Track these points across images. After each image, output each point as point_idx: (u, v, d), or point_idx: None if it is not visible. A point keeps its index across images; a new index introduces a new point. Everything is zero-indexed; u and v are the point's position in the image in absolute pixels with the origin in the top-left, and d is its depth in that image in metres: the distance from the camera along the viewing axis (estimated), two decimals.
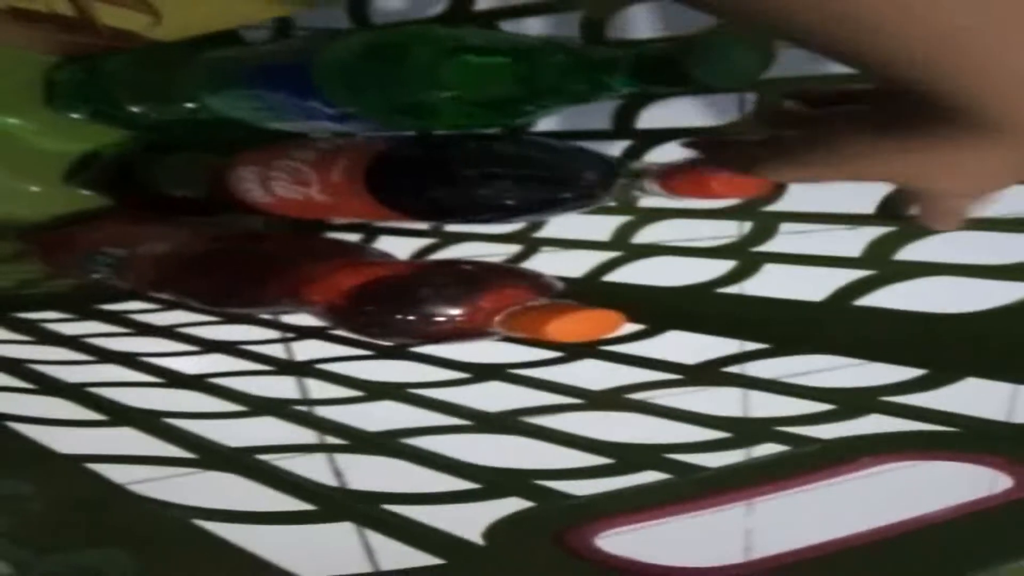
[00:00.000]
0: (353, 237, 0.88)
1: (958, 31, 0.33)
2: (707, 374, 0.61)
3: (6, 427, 0.53)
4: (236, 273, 0.71)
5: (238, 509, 0.41)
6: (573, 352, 0.65)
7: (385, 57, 0.58)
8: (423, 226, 0.83)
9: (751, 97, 0.60)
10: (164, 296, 0.77)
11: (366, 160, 0.63)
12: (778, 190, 0.62)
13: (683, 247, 0.68)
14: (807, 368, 0.60)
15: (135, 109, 0.77)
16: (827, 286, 0.60)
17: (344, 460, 0.61)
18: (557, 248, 0.75)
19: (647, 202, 0.68)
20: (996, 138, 0.38)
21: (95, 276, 0.78)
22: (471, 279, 0.61)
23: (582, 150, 0.61)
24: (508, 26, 0.67)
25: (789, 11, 0.34)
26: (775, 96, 0.57)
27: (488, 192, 0.60)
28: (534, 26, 0.67)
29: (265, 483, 0.45)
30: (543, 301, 0.59)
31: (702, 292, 0.66)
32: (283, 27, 0.80)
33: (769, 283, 0.64)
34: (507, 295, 0.59)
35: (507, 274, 0.62)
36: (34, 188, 0.84)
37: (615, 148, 0.67)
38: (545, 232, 0.77)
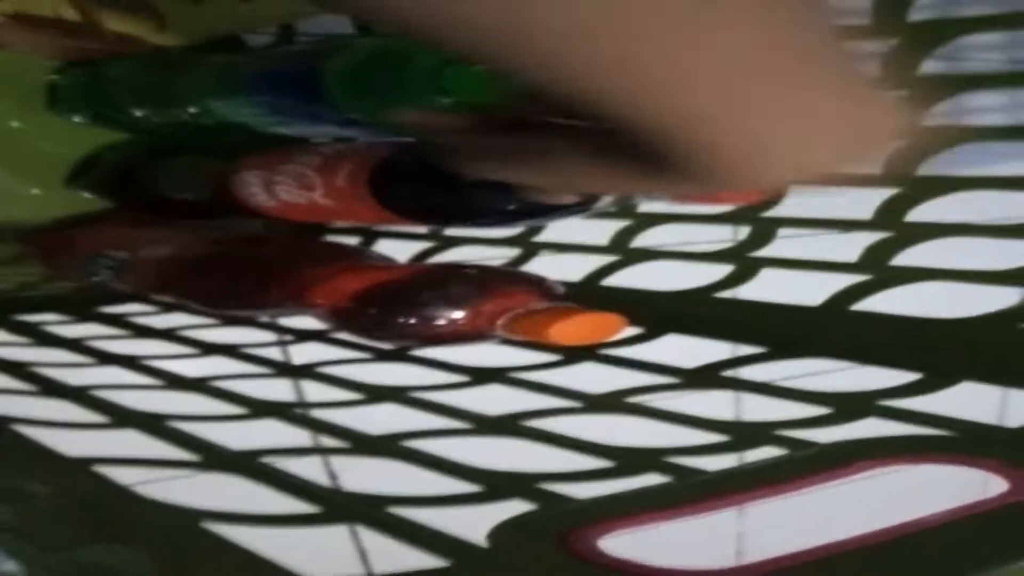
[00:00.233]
0: (352, 240, 0.88)
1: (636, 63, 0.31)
2: (705, 378, 0.61)
3: (10, 429, 0.53)
4: (237, 276, 0.71)
5: (242, 511, 0.41)
6: (571, 356, 0.66)
7: (389, 64, 0.58)
8: (422, 230, 0.83)
9: None
10: (165, 299, 0.77)
11: (371, 165, 0.63)
12: (776, 195, 0.62)
13: (681, 251, 0.68)
14: (802, 372, 0.61)
15: (138, 113, 0.77)
16: (824, 291, 0.61)
17: (340, 463, 0.61)
18: (556, 252, 0.75)
19: (645, 207, 0.68)
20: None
21: (96, 279, 0.78)
22: (472, 282, 0.61)
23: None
24: None
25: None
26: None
27: (490, 197, 0.60)
28: None
29: (268, 485, 0.45)
30: (545, 304, 0.59)
31: (700, 296, 0.66)
32: (286, 33, 0.81)
33: (766, 287, 0.65)
34: (508, 298, 0.59)
35: (509, 277, 0.63)
36: (35, 191, 0.84)
37: None
38: (544, 236, 0.77)
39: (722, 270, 0.66)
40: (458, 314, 0.60)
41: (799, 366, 0.60)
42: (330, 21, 0.73)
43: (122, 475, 0.45)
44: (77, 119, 0.81)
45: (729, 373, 0.61)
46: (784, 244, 0.64)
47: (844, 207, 0.59)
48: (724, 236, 0.67)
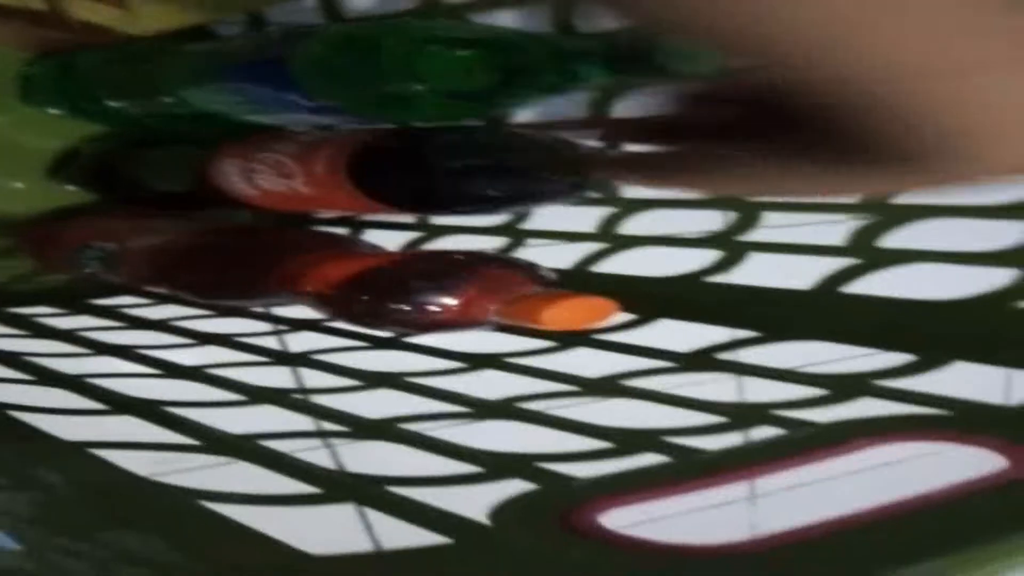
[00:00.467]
0: (340, 231, 0.88)
1: (867, 24, 0.31)
2: (700, 361, 0.61)
3: (13, 418, 0.53)
4: (228, 266, 0.71)
5: (248, 492, 0.41)
6: (567, 341, 0.66)
7: (360, 50, 0.58)
8: (410, 219, 0.83)
9: None
10: (156, 290, 0.77)
11: (348, 152, 0.63)
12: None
13: (669, 237, 0.68)
14: (795, 355, 0.61)
15: (112, 104, 0.76)
16: (813, 274, 0.61)
17: (345, 451, 0.61)
18: (544, 240, 0.75)
19: (631, 193, 0.69)
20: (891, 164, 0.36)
21: (86, 271, 0.78)
22: (465, 268, 0.61)
23: (562, 140, 0.62)
24: (480, 18, 0.67)
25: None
26: None
27: (469, 183, 0.60)
28: (506, 19, 0.67)
29: (272, 468, 0.45)
30: (538, 289, 0.60)
31: (691, 281, 0.67)
32: (256, 22, 0.80)
33: (756, 271, 0.65)
34: (502, 283, 0.59)
35: (501, 263, 0.63)
36: (18, 184, 0.84)
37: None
38: (531, 224, 0.77)
39: (711, 255, 0.66)
40: (451, 300, 0.60)
41: (792, 349, 0.60)
42: (299, 10, 0.73)
43: (129, 462, 0.45)
44: (53, 111, 0.80)
45: (724, 356, 0.62)
46: (772, 229, 0.65)
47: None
48: (713, 221, 0.67)
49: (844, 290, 0.60)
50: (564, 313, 0.56)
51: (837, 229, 0.61)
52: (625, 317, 0.67)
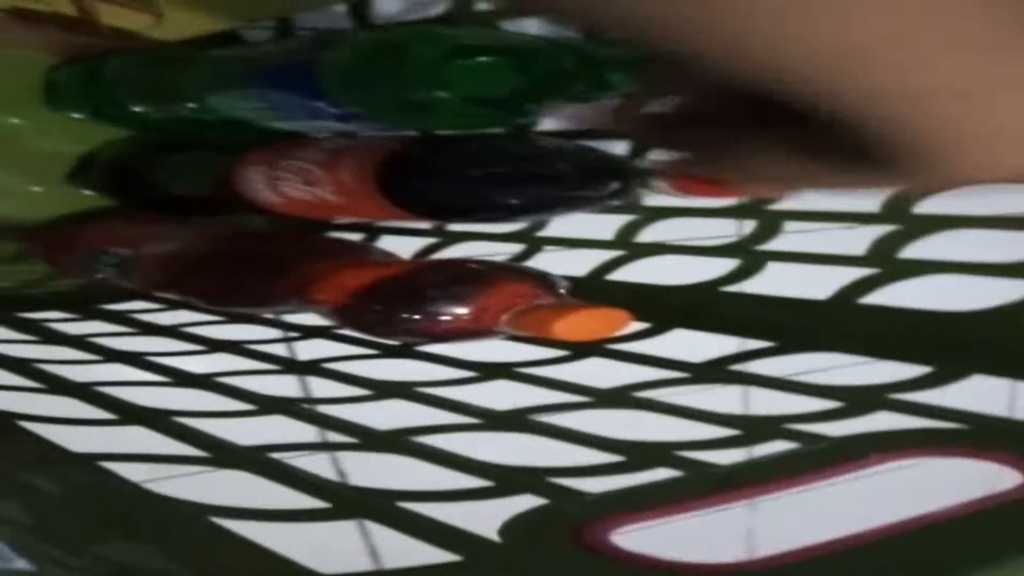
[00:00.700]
0: (356, 237, 0.88)
1: (863, 45, 0.30)
2: (714, 372, 0.61)
3: (19, 426, 0.53)
4: (241, 273, 0.71)
5: (253, 507, 0.41)
6: (579, 351, 0.65)
7: (387, 57, 0.58)
8: (425, 225, 0.83)
9: None
10: (169, 296, 0.77)
11: (375, 160, 0.63)
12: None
13: (687, 246, 0.68)
14: (810, 367, 0.61)
15: (137, 109, 0.77)
16: (831, 284, 0.61)
17: (348, 459, 0.61)
18: (561, 247, 0.75)
19: (649, 201, 0.68)
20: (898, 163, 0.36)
21: (99, 276, 0.78)
22: (478, 278, 0.61)
23: (589, 149, 0.62)
24: (508, 25, 0.67)
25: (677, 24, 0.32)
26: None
27: (497, 191, 0.60)
28: (533, 26, 0.67)
29: (279, 481, 0.45)
30: (550, 300, 0.59)
31: (707, 290, 0.66)
32: (284, 27, 0.80)
33: (773, 281, 0.65)
34: (514, 294, 0.59)
35: (514, 273, 0.62)
36: (36, 188, 0.84)
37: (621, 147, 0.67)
38: (548, 231, 0.77)
39: (729, 264, 0.66)
40: (463, 310, 0.60)
41: (808, 361, 0.60)
42: (328, 15, 0.73)
43: (131, 472, 0.45)
44: (76, 115, 0.80)
45: (738, 368, 0.61)
46: (791, 237, 0.64)
47: (851, 200, 0.59)
48: (730, 230, 0.67)
49: (862, 301, 0.60)
50: (577, 324, 0.56)
51: (856, 239, 0.60)
52: (639, 326, 0.66)
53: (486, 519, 0.38)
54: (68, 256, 0.82)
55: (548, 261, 0.73)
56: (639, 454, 0.47)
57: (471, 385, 0.63)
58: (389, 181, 0.62)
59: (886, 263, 0.59)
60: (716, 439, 0.50)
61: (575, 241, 0.73)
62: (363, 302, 0.63)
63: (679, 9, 0.30)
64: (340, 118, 0.63)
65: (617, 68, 0.57)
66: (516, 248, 0.78)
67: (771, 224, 0.64)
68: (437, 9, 0.70)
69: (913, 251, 0.58)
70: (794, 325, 0.62)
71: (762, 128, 0.41)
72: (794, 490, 0.41)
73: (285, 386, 0.64)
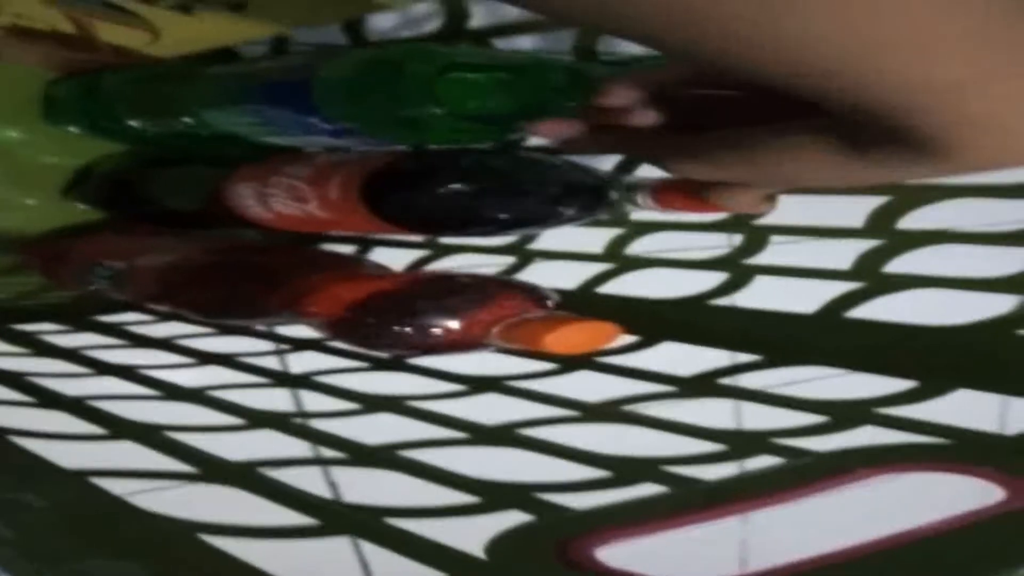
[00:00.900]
0: (348, 249, 0.89)
1: (890, 41, 0.32)
2: (702, 386, 0.61)
3: (7, 441, 0.54)
4: (234, 286, 0.71)
5: (242, 524, 0.41)
6: (568, 364, 0.66)
7: (381, 74, 0.59)
8: (418, 238, 0.84)
9: None
10: (162, 308, 0.78)
11: (362, 175, 0.63)
12: (770, 203, 0.62)
13: (676, 259, 0.68)
14: (794, 378, 0.61)
15: (133, 124, 0.77)
16: (818, 298, 0.61)
17: (339, 473, 0.61)
18: (551, 260, 0.75)
19: (639, 215, 0.69)
20: (921, 154, 0.37)
21: (94, 288, 0.78)
22: (469, 291, 0.61)
23: (575, 165, 0.62)
24: (501, 44, 0.68)
25: (709, 27, 0.32)
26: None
27: (483, 206, 0.60)
28: (526, 44, 0.68)
29: (267, 497, 0.45)
30: (540, 313, 0.60)
31: (695, 304, 0.67)
32: (279, 44, 0.81)
33: (760, 295, 0.65)
34: (504, 307, 0.59)
35: (504, 286, 0.63)
36: (31, 201, 0.84)
37: (607, 163, 0.68)
38: (538, 244, 0.77)
39: (717, 278, 0.66)
40: (454, 323, 0.60)
41: (795, 373, 0.60)
42: (323, 33, 0.74)
43: (118, 486, 0.45)
44: (73, 130, 0.81)
45: (726, 381, 0.62)
46: (778, 251, 0.65)
47: (837, 214, 0.59)
48: (718, 243, 0.67)
49: (848, 315, 0.60)
50: (566, 337, 0.56)
51: (843, 253, 0.61)
52: (628, 339, 0.67)
53: (470, 535, 0.39)
54: (63, 268, 0.82)
55: (538, 274, 0.74)
56: (626, 469, 0.48)
57: (462, 398, 0.63)
58: (376, 196, 0.63)
59: (872, 277, 0.59)
60: (703, 454, 0.50)
61: (565, 254, 0.74)
62: (355, 315, 0.64)
63: (712, 12, 0.31)
64: (334, 133, 0.64)
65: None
66: (508, 261, 0.78)
67: (758, 238, 0.65)
68: (431, 26, 0.71)
69: (898, 266, 0.59)
70: (781, 339, 0.63)
71: (774, 126, 0.43)
72: (780, 506, 0.41)
73: (275, 399, 0.65)
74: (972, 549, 0.35)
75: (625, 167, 0.68)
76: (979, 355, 0.55)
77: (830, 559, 0.34)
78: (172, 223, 0.82)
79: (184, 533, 0.40)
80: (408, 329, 0.61)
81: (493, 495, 0.45)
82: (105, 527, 0.42)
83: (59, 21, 0.69)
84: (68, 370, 0.70)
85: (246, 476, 0.48)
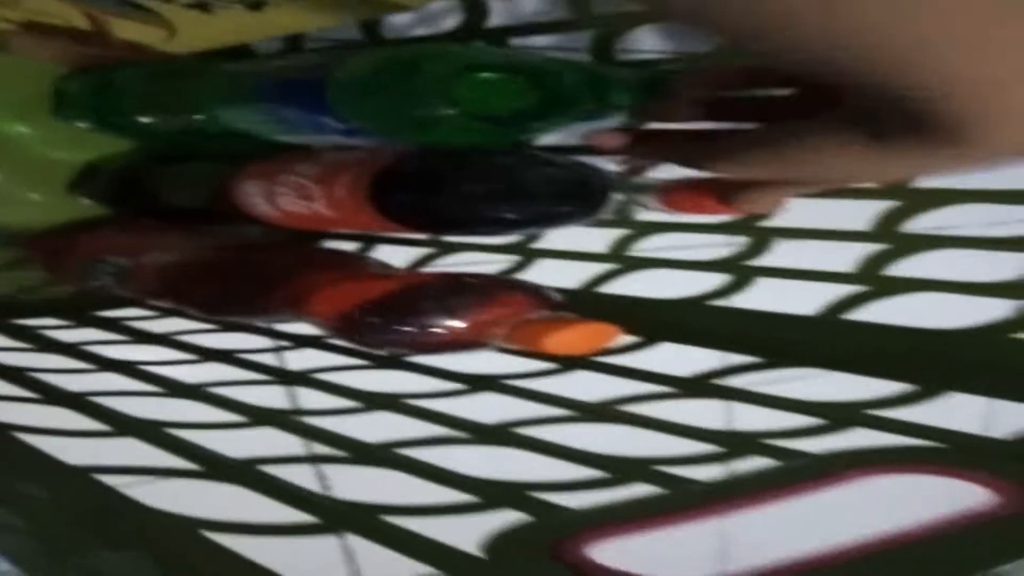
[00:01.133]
0: (351, 246, 0.89)
1: (947, 37, 0.34)
2: (699, 386, 0.61)
3: (11, 436, 0.54)
4: (238, 283, 0.72)
5: (242, 521, 0.41)
6: (567, 364, 0.66)
7: (397, 75, 0.59)
8: (421, 236, 0.84)
9: None
10: (165, 304, 0.78)
11: (370, 175, 0.63)
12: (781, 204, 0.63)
13: (677, 260, 0.68)
14: (782, 377, 0.61)
15: (143, 120, 0.77)
16: (818, 300, 0.61)
17: (333, 469, 0.62)
18: (554, 259, 0.75)
19: (644, 216, 0.69)
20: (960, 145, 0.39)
21: (97, 284, 0.79)
22: (471, 291, 0.61)
23: (583, 165, 0.62)
24: (518, 43, 0.68)
25: (785, 22, 0.34)
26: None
27: (490, 206, 0.61)
28: (543, 44, 0.68)
29: (267, 494, 0.46)
30: (542, 314, 0.60)
31: (696, 305, 0.67)
32: (294, 40, 0.81)
33: (761, 296, 0.65)
34: (506, 307, 0.60)
35: (506, 286, 0.63)
36: (36, 196, 0.84)
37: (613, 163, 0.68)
38: (542, 243, 0.77)
39: (718, 279, 0.67)
40: (455, 323, 0.60)
41: (785, 371, 0.61)
42: (338, 30, 0.74)
43: (120, 480, 0.46)
44: (82, 125, 0.81)
45: (724, 382, 0.62)
46: (779, 252, 0.65)
47: (838, 218, 0.60)
48: (720, 244, 0.68)
49: (848, 317, 0.60)
50: (567, 339, 0.56)
51: (845, 256, 0.61)
52: (628, 339, 0.67)
53: (464, 533, 0.39)
54: (67, 263, 0.82)
55: (542, 272, 0.74)
56: (620, 469, 0.48)
57: (461, 397, 0.63)
58: (383, 196, 0.63)
59: (873, 280, 0.60)
60: (696, 455, 0.51)
61: (569, 253, 0.74)
62: (358, 314, 0.64)
63: (793, 8, 0.33)
64: (345, 133, 0.64)
65: (623, 88, 0.57)
66: (511, 259, 0.79)
67: (761, 240, 0.65)
68: (447, 23, 0.71)
69: (899, 269, 0.59)
70: (781, 340, 0.63)
71: (805, 123, 0.44)
72: (772, 506, 0.41)
73: (270, 396, 0.65)
74: (960, 552, 0.35)
75: (632, 168, 0.68)
76: (974, 359, 0.55)
77: (817, 560, 0.34)
78: (177, 220, 0.83)
79: (186, 529, 0.40)
80: (409, 328, 0.61)
81: (491, 494, 0.45)
82: (108, 521, 0.42)
83: (74, 17, 0.69)
84: (69, 365, 0.71)
85: (247, 473, 0.49)
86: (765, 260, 0.65)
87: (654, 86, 0.56)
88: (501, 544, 0.37)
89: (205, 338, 0.78)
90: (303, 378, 0.68)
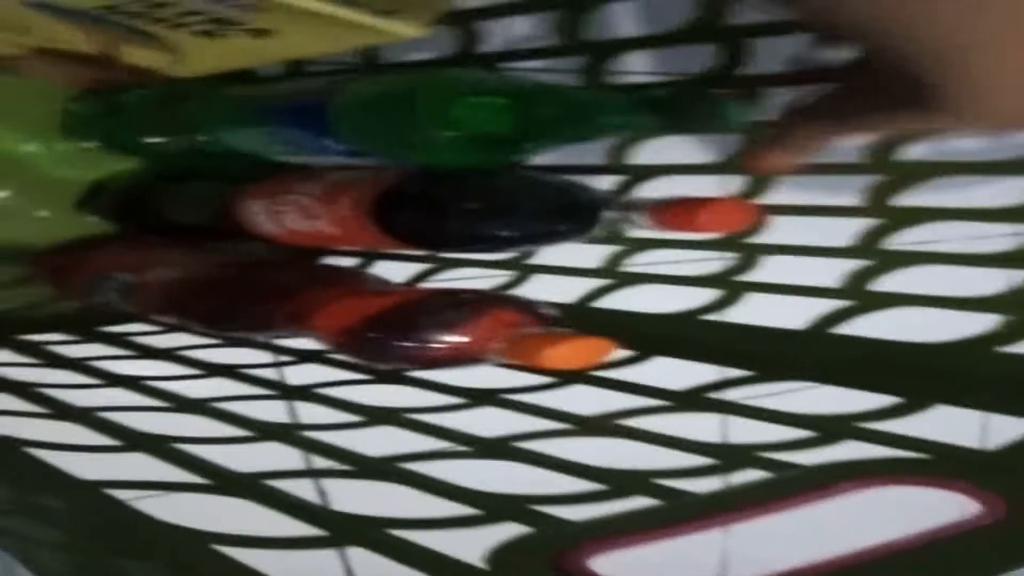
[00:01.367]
0: (351, 262, 0.90)
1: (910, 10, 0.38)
2: (693, 400, 0.63)
3: (24, 452, 0.55)
4: (241, 300, 0.73)
5: (251, 535, 0.42)
6: (564, 378, 0.67)
7: (395, 100, 0.60)
8: (420, 252, 0.85)
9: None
10: (169, 320, 0.79)
11: (372, 194, 0.65)
12: (760, 223, 0.64)
13: (669, 276, 0.70)
14: (772, 390, 0.62)
15: (149, 141, 0.79)
16: (807, 315, 0.63)
17: (332, 484, 0.63)
18: (549, 275, 0.76)
19: (636, 233, 0.70)
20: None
21: (103, 300, 0.80)
22: (468, 307, 0.62)
23: (576, 184, 0.64)
24: (511, 68, 0.70)
25: None
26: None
27: (488, 224, 0.62)
28: (535, 66, 0.69)
29: (275, 508, 0.47)
30: (538, 329, 0.61)
31: (688, 319, 0.68)
32: (296, 67, 0.83)
33: (752, 311, 0.66)
34: (504, 322, 0.61)
35: (503, 302, 0.64)
36: (44, 213, 0.85)
37: (605, 182, 0.69)
38: (537, 260, 0.79)
39: (710, 294, 0.68)
40: (454, 338, 0.61)
41: (783, 385, 0.62)
42: (340, 54, 0.75)
43: (128, 494, 0.47)
44: (90, 145, 0.82)
45: (716, 395, 0.63)
46: (768, 270, 0.66)
47: (827, 234, 0.61)
48: (712, 260, 0.69)
49: (835, 331, 0.62)
50: (563, 353, 0.57)
51: (830, 272, 0.62)
52: (623, 354, 0.68)
53: (465, 545, 0.40)
54: (73, 280, 0.83)
55: (537, 288, 0.75)
56: (618, 482, 0.49)
57: (461, 411, 0.64)
58: (386, 215, 0.64)
59: (860, 295, 0.61)
60: (692, 467, 0.52)
61: (564, 269, 0.75)
62: (359, 329, 0.65)
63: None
64: (348, 154, 0.66)
65: (611, 111, 0.59)
66: (508, 275, 0.80)
67: (750, 257, 0.66)
68: (441, 48, 0.72)
69: (886, 284, 0.60)
70: (771, 354, 0.64)
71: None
72: (767, 518, 0.42)
73: (277, 411, 0.66)
74: (949, 563, 0.36)
75: (624, 187, 0.69)
76: (961, 372, 0.57)
77: (809, 571, 0.35)
78: (182, 237, 0.84)
79: (197, 543, 0.41)
80: (408, 344, 0.62)
81: (493, 507, 0.46)
82: (123, 533, 0.43)
83: (84, 43, 0.71)
84: (76, 380, 0.72)
85: (255, 488, 0.50)
86: (755, 276, 0.66)
87: (642, 112, 0.57)
88: (504, 555, 0.38)
89: (209, 353, 0.79)
90: (307, 393, 0.70)
